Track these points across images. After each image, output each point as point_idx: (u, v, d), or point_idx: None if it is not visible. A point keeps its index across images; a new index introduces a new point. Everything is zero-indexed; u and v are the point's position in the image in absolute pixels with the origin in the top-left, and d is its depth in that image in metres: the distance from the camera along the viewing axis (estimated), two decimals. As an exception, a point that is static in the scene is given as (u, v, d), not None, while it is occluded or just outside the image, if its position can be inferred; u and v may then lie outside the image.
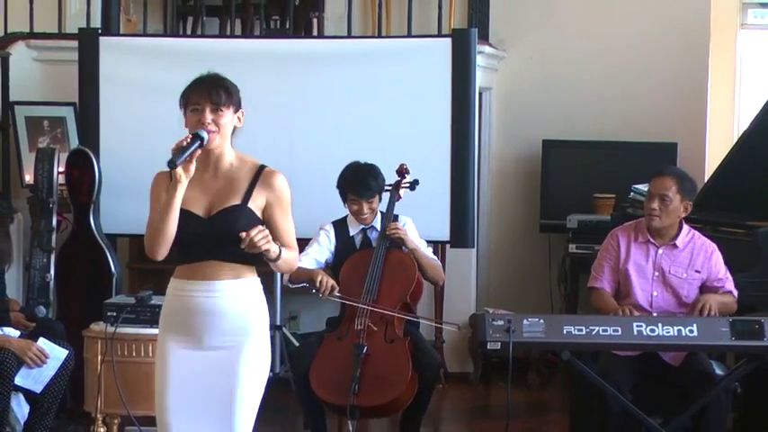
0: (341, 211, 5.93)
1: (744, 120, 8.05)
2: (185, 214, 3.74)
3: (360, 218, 5.83)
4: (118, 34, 7.22)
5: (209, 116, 3.75)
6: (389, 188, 5.93)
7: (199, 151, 3.70)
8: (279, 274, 6.69)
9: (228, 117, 3.81)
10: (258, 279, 3.88)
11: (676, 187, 5.31)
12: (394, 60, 6.71)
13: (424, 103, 6.63)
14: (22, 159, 7.09)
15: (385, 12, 7.88)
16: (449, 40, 6.66)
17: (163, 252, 3.75)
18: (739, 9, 8.50)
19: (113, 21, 7.26)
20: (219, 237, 3.74)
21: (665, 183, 5.33)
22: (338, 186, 5.89)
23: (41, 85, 7.38)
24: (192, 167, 3.69)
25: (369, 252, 5.78)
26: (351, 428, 5.39)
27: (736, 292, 5.43)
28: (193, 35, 7.84)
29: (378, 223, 5.87)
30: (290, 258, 3.85)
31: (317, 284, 5.59)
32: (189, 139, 3.69)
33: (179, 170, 3.65)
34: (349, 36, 7.41)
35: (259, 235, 3.65)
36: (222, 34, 7.84)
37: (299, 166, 6.60)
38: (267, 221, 3.81)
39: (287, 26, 7.81)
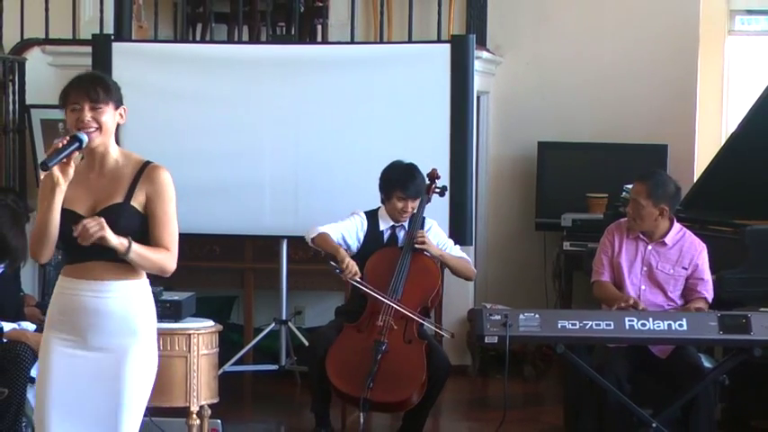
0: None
1: (731, 122, 8.15)
2: (69, 214, 3.62)
3: (403, 215, 5.81)
4: (130, 40, 7.29)
5: (88, 114, 3.63)
6: None
7: (77, 153, 3.59)
8: (284, 270, 6.84)
9: (109, 114, 3.67)
10: (147, 281, 3.76)
11: (646, 193, 5.37)
12: (395, 65, 6.81)
13: (424, 106, 6.71)
14: (38, 160, 7.21)
15: (386, 19, 7.97)
16: (448, 45, 6.75)
17: (45, 254, 3.65)
18: (727, 16, 8.64)
19: (125, 27, 7.37)
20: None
21: (637, 188, 5.43)
22: (384, 184, 5.85)
23: (56, 89, 7.26)
24: (71, 170, 3.57)
25: (395, 250, 5.77)
26: (362, 420, 5.49)
27: (710, 297, 5.47)
28: (202, 41, 7.89)
29: (407, 223, 5.88)
30: (151, 256, 3.67)
31: (344, 266, 5.58)
32: (66, 141, 3.57)
33: (56, 173, 3.54)
34: (352, 42, 7.51)
35: (91, 223, 3.54)
36: (230, 40, 7.89)
37: (303, 168, 6.78)
38: (148, 217, 3.69)
39: (292, 32, 7.87)
